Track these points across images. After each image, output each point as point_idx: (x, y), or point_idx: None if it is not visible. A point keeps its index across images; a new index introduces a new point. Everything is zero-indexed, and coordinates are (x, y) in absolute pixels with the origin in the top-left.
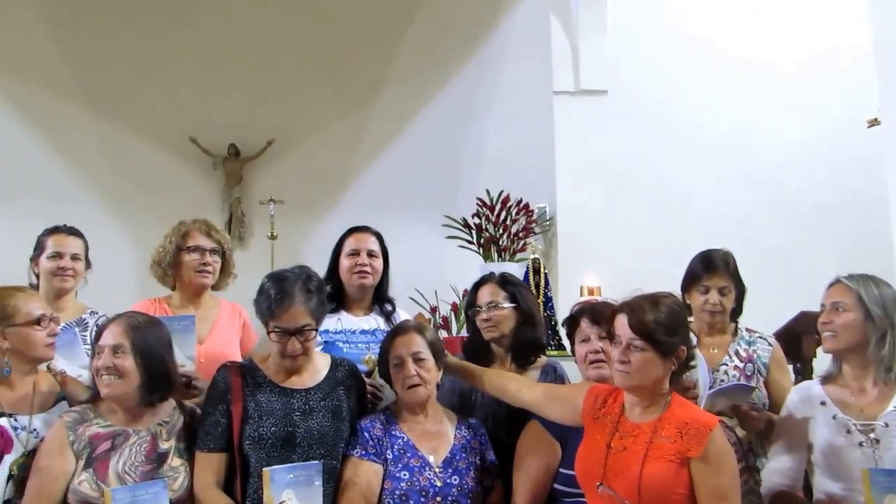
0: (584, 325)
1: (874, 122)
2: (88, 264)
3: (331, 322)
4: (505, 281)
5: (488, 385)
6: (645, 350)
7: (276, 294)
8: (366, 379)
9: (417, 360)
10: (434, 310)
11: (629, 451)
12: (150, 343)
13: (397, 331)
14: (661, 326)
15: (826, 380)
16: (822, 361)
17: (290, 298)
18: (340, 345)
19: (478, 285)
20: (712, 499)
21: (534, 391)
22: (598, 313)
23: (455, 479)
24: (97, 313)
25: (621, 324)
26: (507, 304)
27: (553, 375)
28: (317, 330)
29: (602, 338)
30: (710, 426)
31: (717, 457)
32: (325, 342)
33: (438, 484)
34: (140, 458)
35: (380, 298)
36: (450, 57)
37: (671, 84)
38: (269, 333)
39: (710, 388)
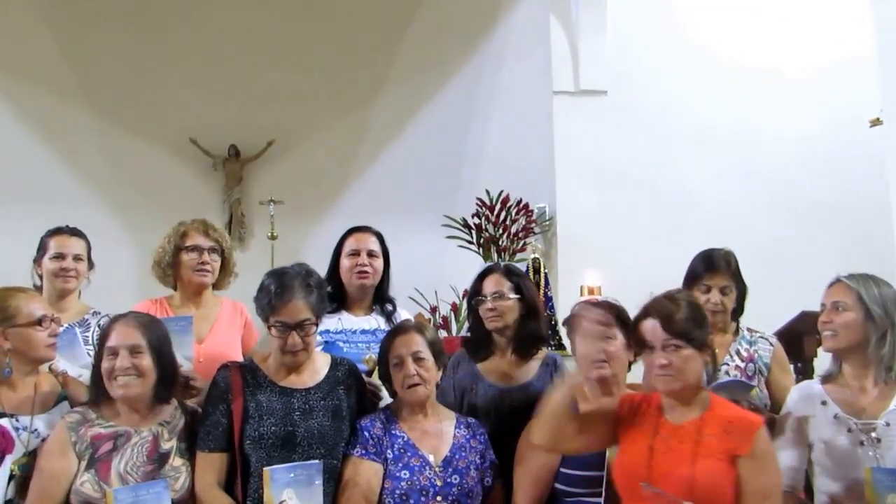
0: None
1: (876, 122)
2: (91, 265)
3: (331, 322)
4: (509, 272)
5: None
6: (682, 348)
7: (276, 289)
8: (365, 378)
9: (417, 359)
10: (434, 310)
11: (675, 451)
12: (161, 341)
13: (397, 330)
14: (691, 321)
15: (826, 379)
16: (823, 361)
17: (290, 293)
18: (341, 345)
19: (482, 275)
20: (758, 497)
21: None
22: None
23: (455, 479)
24: (100, 314)
25: (651, 329)
26: (512, 295)
27: (553, 367)
28: (317, 325)
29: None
30: (757, 424)
31: (763, 455)
32: (326, 342)
33: (439, 483)
34: (142, 459)
35: (380, 298)
36: (449, 57)
37: (671, 84)
38: (269, 329)
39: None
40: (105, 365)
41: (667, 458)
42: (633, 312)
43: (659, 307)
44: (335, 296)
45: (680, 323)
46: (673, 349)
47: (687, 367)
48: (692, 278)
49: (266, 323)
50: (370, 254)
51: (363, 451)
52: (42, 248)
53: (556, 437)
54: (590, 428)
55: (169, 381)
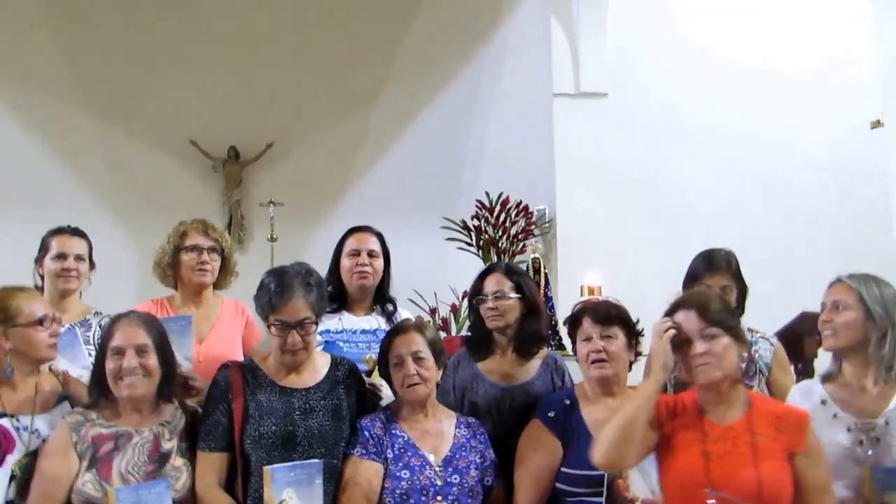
0: (587, 324)
1: (877, 124)
2: (92, 265)
3: (332, 322)
4: (510, 271)
5: None
6: (720, 336)
7: (276, 287)
8: (365, 378)
9: (417, 358)
10: (433, 311)
11: (732, 454)
12: (163, 339)
13: (397, 330)
14: (726, 311)
15: (826, 378)
16: (823, 362)
17: (290, 291)
18: (341, 344)
19: (484, 274)
20: (817, 492)
21: None
22: (600, 313)
23: (455, 478)
24: (101, 314)
25: (686, 320)
26: (513, 294)
27: (554, 367)
28: (316, 324)
29: (604, 337)
30: (805, 418)
31: (815, 449)
32: (327, 342)
33: (439, 483)
34: (143, 459)
35: (381, 298)
36: (449, 59)
37: (671, 86)
38: (269, 327)
39: None
40: (111, 365)
41: (725, 462)
42: (633, 312)
43: (693, 298)
44: (336, 296)
45: (716, 311)
46: (710, 338)
47: (725, 354)
48: (693, 278)
49: (266, 322)
50: (370, 254)
51: (364, 451)
52: (43, 248)
53: (625, 454)
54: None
55: (171, 379)
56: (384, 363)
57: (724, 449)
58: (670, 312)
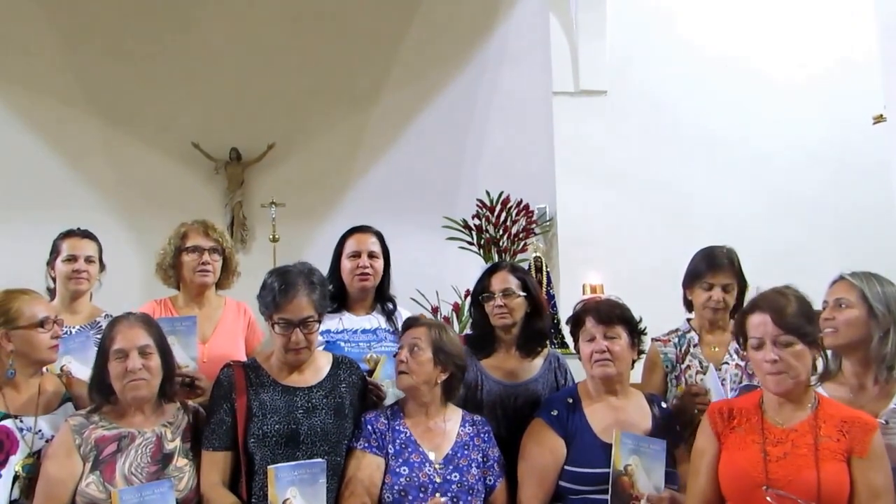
0: (590, 324)
1: (880, 119)
2: (103, 266)
3: (333, 322)
4: (515, 269)
5: None
6: (794, 344)
7: (280, 286)
8: (367, 378)
9: (413, 348)
10: (435, 310)
11: (793, 455)
12: (163, 339)
13: (411, 322)
14: (802, 316)
15: (826, 377)
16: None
17: (293, 290)
18: (342, 344)
19: (489, 272)
20: (872, 497)
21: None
22: (603, 312)
23: (455, 476)
24: (111, 317)
25: (761, 323)
26: (520, 293)
27: (556, 365)
28: (319, 322)
29: (607, 337)
30: (874, 425)
31: (880, 455)
32: (328, 342)
33: (438, 480)
34: (146, 460)
35: (381, 297)
36: (449, 59)
37: (671, 84)
38: (272, 326)
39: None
40: (116, 369)
41: (785, 463)
42: (634, 310)
43: (770, 301)
44: (336, 296)
45: (791, 317)
46: (784, 345)
47: (798, 363)
48: (694, 276)
49: (269, 321)
50: (371, 255)
51: (366, 445)
52: (54, 251)
53: None
54: None
55: (171, 379)
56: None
57: (784, 450)
58: (748, 311)
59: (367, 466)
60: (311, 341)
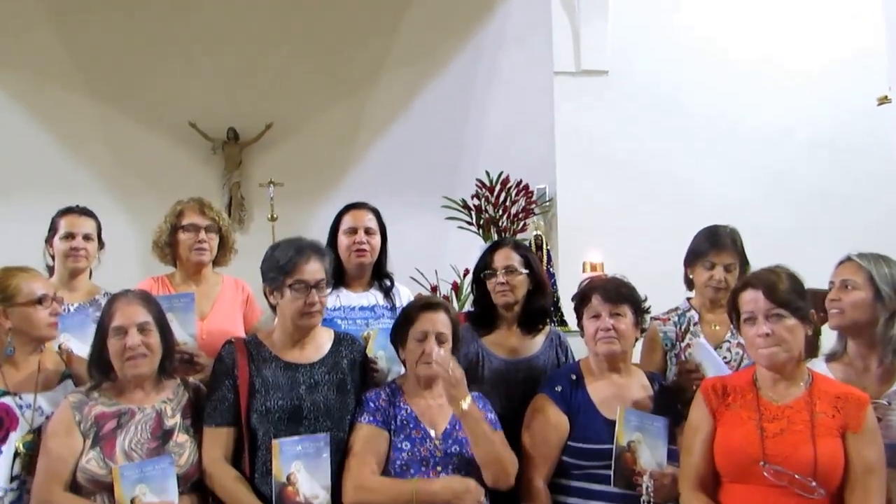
0: (596, 301)
1: (884, 100)
2: (101, 244)
3: (330, 299)
4: (518, 246)
5: None
6: (786, 318)
7: (294, 250)
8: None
9: (440, 340)
10: (434, 289)
11: (789, 431)
12: (161, 315)
13: (428, 305)
14: (794, 292)
15: (831, 358)
16: (826, 339)
17: (308, 252)
18: (339, 321)
19: (491, 249)
20: (866, 472)
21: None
22: (610, 291)
23: (455, 449)
24: (110, 294)
25: (753, 299)
26: (523, 270)
27: (558, 342)
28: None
29: (613, 315)
30: (866, 400)
31: (873, 430)
32: (325, 319)
33: (438, 455)
34: (146, 436)
35: (378, 274)
36: (450, 38)
37: (673, 64)
38: (283, 293)
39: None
40: (115, 346)
41: (781, 440)
42: None
43: (761, 278)
44: (333, 273)
45: (783, 292)
46: (776, 319)
47: (790, 337)
48: (696, 254)
49: (278, 291)
50: (367, 231)
51: (371, 419)
52: (53, 229)
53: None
54: None
55: (171, 356)
56: (401, 330)
57: (780, 426)
58: (739, 289)
59: (374, 438)
60: (324, 305)
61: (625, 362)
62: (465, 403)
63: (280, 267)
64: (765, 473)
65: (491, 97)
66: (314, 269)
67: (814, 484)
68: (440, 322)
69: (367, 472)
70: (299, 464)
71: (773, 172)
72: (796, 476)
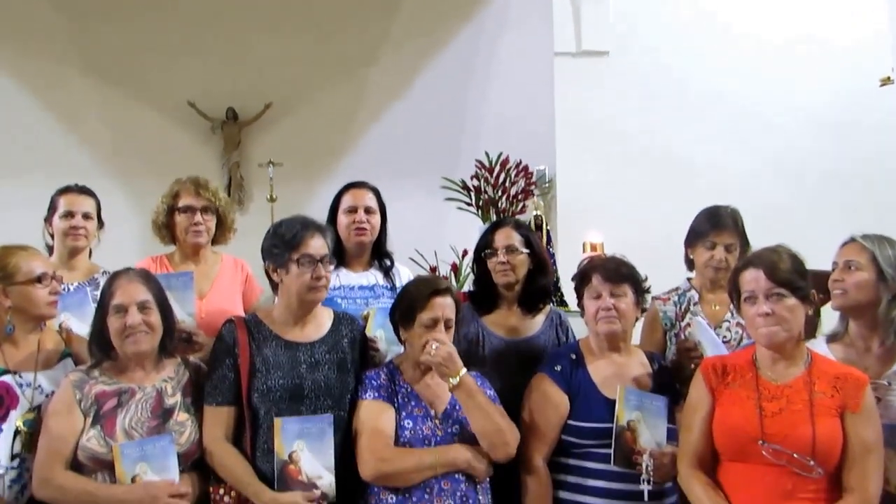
0: (596, 281)
1: (887, 81)
2: (101, 223)
3: (330, 279)
4: (519, 225)
5: None
6: (786, 297)
7: (300, 225)
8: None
9: (447, 326)
10: (434, 270)
11: (788, 411)
12: (162, 294)
13: (438, 291)
14: (794, 272)
15: (832, 339)
16: (826, 320)
17: (313, 227)
18: (339, 301)
19: (492, 228)
20: (864, 451)
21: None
22: (610, 270)
23: (456, 428)
24: (109, 273)
25: (754, 279)
26: (524, 249)
27: (558, 322)
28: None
29: (614, 294)
30: (865, 380)
31: (871, 410)
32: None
33: (440, 434)
34: (146, 414)
35: (379, 254)
36: (449, 18)
37: (673, 45)
38: (288, 270)
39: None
40: (115, 324)
41: (780, 419)
42: None
43: (762, 257)
44: (333, 252)
45: (784, 272)
46: (776, 298)
47: (790, 316)
48: (697, 234)
49: (284, 265)
50: (367, 210)
51: (377, 394)
52: (52, 207)
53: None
54: None
55: (171, 334)
56: (407, 310)
57: (779, 406)
58: (741, 269)
59: (383, 412)
60: (329, 280)
61: (625, 342)
62: (456, 379)
63: (286, 242)
64: (763, 452)
65: (491, 77)
66: (320, 244)
67: (812, 463)
68: (448, 307)
69: (383, 443)
70: (301, 443)
71: (774, 153)
72: (795, 455)
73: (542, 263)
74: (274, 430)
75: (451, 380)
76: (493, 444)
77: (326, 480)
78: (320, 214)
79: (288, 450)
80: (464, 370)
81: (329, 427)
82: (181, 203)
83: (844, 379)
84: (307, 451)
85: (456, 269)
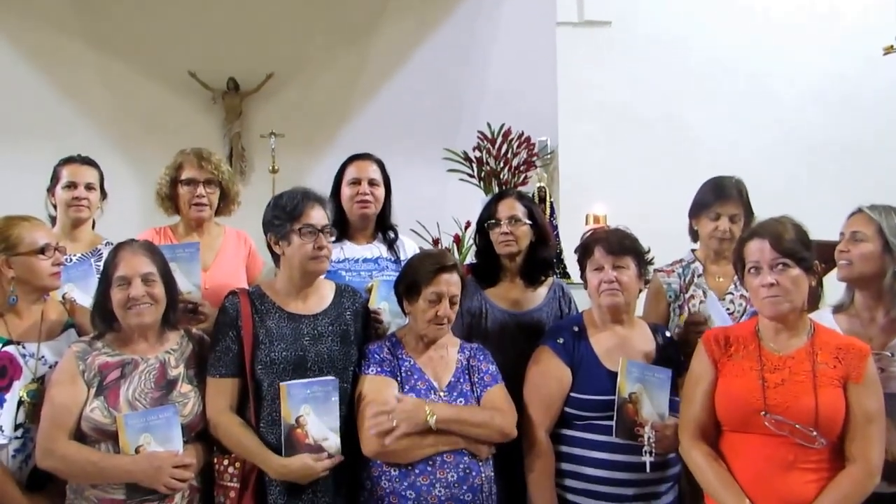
0: (598, 254)
1: (890, 50)
2: (104, 194)
3: (333, 251)
4: (522, 196)
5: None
6: (791, 268)
7: (301, 195)
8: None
9: (452, 302)
10: (436, 242)
11: (791, 382)
12: (165, 266)
13: (444, 267)
14: (800, 243)
15: (838, 309)
16: (830, 291)
17: (313, 197)
18: (343, 273)
19: (496, 199)
20: (866, 421)
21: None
22: (613, 243)
23: (460, 402)
24: (112, 244)
25: (758, 249)
26: (527, 220)
27: (561, 294)
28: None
29: (616, 267)
30: (867, 351)
31: (873, 380)
32: (329, 271)
33: None
34: (149, 386)
35: (382, 226)
36: None
37: (676, 15)
38: (291, 238)
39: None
40: (118, 295)
41: (783, 390)
42: None
43: (768, 228)
44: (337, 224)
45: (789, 242)
46: (781, 269)
47: (795, 287)
48: (701, 206)
49: (286, 236)
50: (371, 182)
51: (379, 369)
52: (55, 178)
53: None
54: None
55: (174, 306)
56: (412, 284)
57: (782, 377)
58: (746, 239)
59: (386, 387)
60: (331, 251)
61: (628, 314)
62: (433, 419)
63: (287, 213)
64: (766, 423)
65: (493, 48)
66: (321, 214)
67: (815, 433)
68: (454, 284)
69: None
70: (308, 407)
71: (778, 123)
72: (797, 426)
73: (544, 235)
74: (281, 396)
75: (429, 420)
76: (489, 437)
77: (332, 441)
78: (322, 185)
79: (295, 414)
80: (429, 409)
81: (334, 389)
82: (184, 175)
83: (847, 349)
84: (313, 414)
85: (458, 240)
